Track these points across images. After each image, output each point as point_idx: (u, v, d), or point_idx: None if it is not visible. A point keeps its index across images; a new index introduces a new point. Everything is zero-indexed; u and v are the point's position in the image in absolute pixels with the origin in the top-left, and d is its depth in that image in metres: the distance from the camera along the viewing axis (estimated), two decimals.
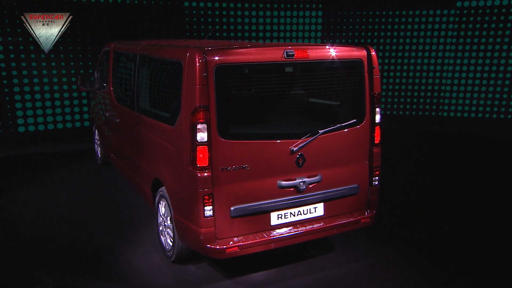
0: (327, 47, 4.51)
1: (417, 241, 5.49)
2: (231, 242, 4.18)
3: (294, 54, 4.20)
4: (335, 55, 4.49)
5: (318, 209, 4.64)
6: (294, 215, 4.52)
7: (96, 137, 8.65)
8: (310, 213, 4.60)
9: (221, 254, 4.15)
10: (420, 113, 14.17)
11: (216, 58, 3.92)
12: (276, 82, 4.38)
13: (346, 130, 4.64)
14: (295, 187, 4.41)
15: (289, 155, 4.34)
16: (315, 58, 4.35)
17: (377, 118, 4.77)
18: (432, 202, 6.88)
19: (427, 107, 14.08)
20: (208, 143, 3.96)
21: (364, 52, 4.64)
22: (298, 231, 4.47)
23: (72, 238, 5.53)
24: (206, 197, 4.03)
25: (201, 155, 3.96)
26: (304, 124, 4.51)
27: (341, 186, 4.70)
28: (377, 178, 4.91)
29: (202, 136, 3.93)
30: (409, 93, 14.15)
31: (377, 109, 4.76)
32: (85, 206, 6.59)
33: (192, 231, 4.19)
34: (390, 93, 14.27)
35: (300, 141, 4.34)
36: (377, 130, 4.81)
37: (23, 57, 10.85)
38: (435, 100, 13.96)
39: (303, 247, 5.19)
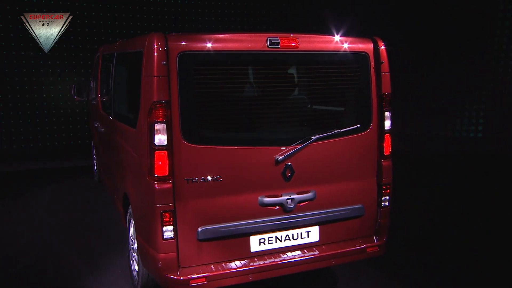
0: (323, 36, 3.75)
1: (437, 277, 4.51)
2: (199, 273, 3.37)
3: (279, 43, 3.45)
4: (333, 46, 3.70)
5: (312, 234, 3.77)
6: (280, 240, 3.67)
7: (94, 151, 8.08)
8: (301, 238, 3.74)
9: (184, 286, 3.33)
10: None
11: (180, 44, 3.22)
12: (257, 76, 3.60)
13: (347, 137, 3.80)
14: (281, 205, 3.58)
15: (273, 166, 3.53)
16: (306, 49, 3.58)
17: (387, 124, 3.91)
18: (457, 230, 5.87)
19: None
20: (169, 147, 3.21)
21: (370, 45, 3.84)
22: (285, 260, 3.61)
23: (34, 261, 4.84)
24: (166, 215, 3.25)
25: (159, 162, 3.21)
26: (293, 129, 3.70)
27: (341, 206, 3.83)
28: (387, 198, 4.01)
29: (160, 138, 3.19)
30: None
31: (387, 113, 3.90)
32: (62, 226, 5.92)
33: (151, 257, 3.42)
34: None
35: (288, 148, 3.54)
36: (387, 139, 3.94)
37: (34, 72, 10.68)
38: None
39: (295, 279, 4.31)
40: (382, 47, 3.85)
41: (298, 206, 3.64)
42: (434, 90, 13.10)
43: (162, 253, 3.29)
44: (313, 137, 3.61)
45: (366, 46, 3.82)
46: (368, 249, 3.91)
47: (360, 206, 3.90)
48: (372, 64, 3.84)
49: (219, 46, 3.32)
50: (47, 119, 10.95)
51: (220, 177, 3.37)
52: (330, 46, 3.69)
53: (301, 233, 3.73)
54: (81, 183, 8.10)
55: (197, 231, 3.36)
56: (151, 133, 3.18)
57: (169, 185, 3.22)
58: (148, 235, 3.41)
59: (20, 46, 10.37)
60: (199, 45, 3.27)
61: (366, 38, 3.89)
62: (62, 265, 4.75)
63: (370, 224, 4.00)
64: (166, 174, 3.22)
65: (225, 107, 3.44)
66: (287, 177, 3.58)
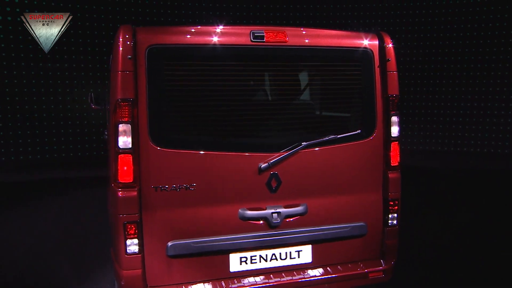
0: (320, 30, 3.33)
1: None
2: None
3: (264, 36, 3.06)
4: (330, 41, 3.27)
5: (304, 254, 3.31)
6: (265, 260, 3.23)
7: None
8: (290, 258, 3.28)
9: None
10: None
11: (150, 37, 2.90)
12: (238, 74, 3.21)
13: (346, 144, 3.32)
14: (265, 219, 3.15)
15: (256, 175, 3.11)
16: (297, 43, 3.16)
17: (394, 130, 3.40)
18: (478, 252, 5.16)
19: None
20: (134, 151, 2.88)
21: (375, 41, 3.37)
22: (271, 283, 3.17)
23: (22, 272, 4.63)
24: (130, 227, 2.90)
25: (124, 168, 2.88)
26: (280, 134, 3.28)
27: (338, 223, 3.34)
28: (395, 215, 3.48)
29: (124, 140, 2.85)
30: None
31: (394, 118, 3.40)
32: (61, 237, 5.74)
33: (116, 273, 3.08)
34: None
35: (273, 155, 3.12)
36: (394, 148, 3.42)
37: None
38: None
39: None
40: (390, 44, 3.37)
41: (286, 221, 3.20)
42: (461, 103, 12.39)
43: (125, 270, 2.93)
44: (303, 143, 3.17)
45: (370, 42, 3.36)
46: (371, 275, 3.39)
47: (362, 224, 3.39)
48: (377, 62, 3.36)
49: (194, 39, 2.98)
50: (75, 129, 11.09)
51: (193, 186, 3.00)
52: (327, 41, 3.26)
53: (290, 252, 3.27)
54: (97, 193, 7.98)
55: (167, 246, 2.99)
56: (116, 134, 2.87)
57: (133, 193, 2.88)
58: (114, 248, 3.08)
59: (39, 57, 10.54)
60: (171, 38, 2.95)
61: (371, 33, 3.43)
62: (53, 276, 4.52)
63: (375, 245, 3.48)
64: (131, 181, 2.88)
65: (200, 107, 3.07)
66: (273, 188, 3.15)
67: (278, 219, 3.15)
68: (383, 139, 3.40)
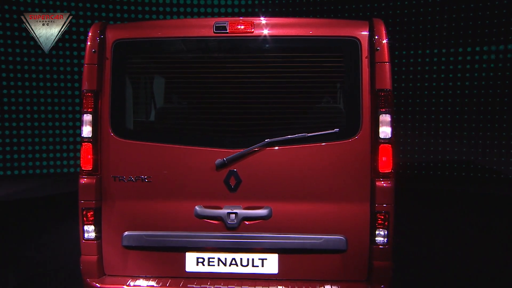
0: (296, 19, 3.08)
1: None
2: (119, 284, 3.00)
3: (226, 27, 2.95)
4: (303, 31, 2.98)
5: (268, 263, 3.00)
6: (224, 264, 3.02)
7: None
8: (253, 266, 3.01)
9: None
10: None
11: (117, 32, 3.04)
12: (201, 66, 3.10)
13: (321, 144, 2.95)
14: (221, 219, 2.96)
15: (214, 171, 2.96)
16: (264, 34, 2.96)
17: (384, 131, 2.89)
18: None
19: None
20: (95, 140, 3.01)
21: (363, 29, 2.96)
22: None
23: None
24: (88, 213, 3.02)
25: (87, 156, 3.03)
26: (246, 129, 3.05)
27: (310, 232, 2.96)
28: (384, 232, 2.92)
29: (86, 130, 3.00)
30: None
31: (383, 116, 2.89)
32: None
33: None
34: None
35: (231, 151, 2.93)
36: (384, 151, 2.90)
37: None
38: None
39: None
40: (382, 32, 2.93)
41: (245, 224, 2.96)
42: None
43: (83, 255, 3.05)
44: (266, 140, 2.92)
45: (356, 30, 2.97)
46: None
47: (340, 237, 2.95)
48: (365, 52, 2.94)
49: (157, 33, 3.02)
50: None
51: (149, 178, 2.99)
52: (299, 31, 2.98)
53: (253, 259, 3.01)
54: None
55: (122, 236, 3.02)
56: (81, 124, 3.05)
57: (92, 181, 3.00)
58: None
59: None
60: (136, 33, 3.04)
61: (362, 20, 3.03)
62: None
63: (358, 264, 2.97)
64: (90, 169, 3.01)
65: (159, 99, 3.08)
66: (232, 187, 2.95)
67: (235, 220, 2.93)
68: (370, 141, 2.93)
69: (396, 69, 11.47)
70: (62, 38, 10.83)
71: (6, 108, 11.09)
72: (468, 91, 10.90)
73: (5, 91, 11.08)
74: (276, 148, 2.95)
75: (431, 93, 11.31)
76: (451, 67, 11.07)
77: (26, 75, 11.23)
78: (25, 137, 11.34)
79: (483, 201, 8.87)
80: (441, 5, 11.00)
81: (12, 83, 11.12)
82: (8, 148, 11.20)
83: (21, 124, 11.29)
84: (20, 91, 11.19)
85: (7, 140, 11.21)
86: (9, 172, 11.22)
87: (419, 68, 11.39)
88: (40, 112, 11.41)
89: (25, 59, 11.22)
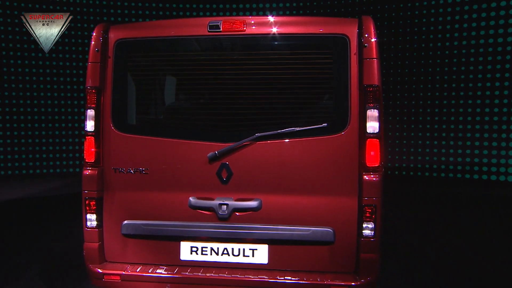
0: (288, 17, 3.18)
1: None
2: (118, 269, 3.18)
3: (219, 26, 3.08)
4: (294, 29, 3.08)
5: (259, 254, 3.11)
6: (217, 253, 3.15)
7: None
8: (244, 256, 3.13)
9: (99, 280, 3.18)
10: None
11: (119, 32, 3.23)
12: (196, 64, 3.24)
13: (310, 138, 3.04)
14: (213, 210, 3.09)
15: (207, 164, 3.10)
16: (256, 32, 3.08)
17: (371, 125, 2.96)
18: None
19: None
20: (97, 134, 3.20)
21: (353, 26, 3.04)
22: (222, 277, 3.06)
23: None
24: (91, 202, 3.21)
25: (90, 149, 3.23)
26: (238, 124, 3.17)
27: (299, 224, 3.05)
28: (372, 225, 2.98)
29: (90, 124, 3.21)
30: None
31: (371, 112, 2.96)
32: None
33: None
34: None
35: (222, 145, 3.06)
36: (371, 146, 2.97)
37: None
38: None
39: None
40: (371, 29, 3.00)
41: (236, 215, 3.08)
42: None
43: (86, 242, 3.24)
44: (256, 135, 3.03)
45: (346, 28, 3.05)
46: None
47: (327, 229, 3.03)
48: (354, 49, 3.02)
49: (155, 32, 3.20)
50: None
51: (147, 170, 3.16)
52: (290, 29, 3.09)
53: (243, 249, 3.13)
54: None
55: (122, 225, 3.20)
56: (85, 119, 3.25)
57: (94, 172, 3.19)
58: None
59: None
60: (136, 32, 3.22)
61: (351, 18, 3.11)
62: None
63: (345, 256, 3.04)
64: (93, 161, 3.21)
65: (157, 95, 3.25)
66: (224, 179, 3.08)
67: (226, 211, 3.06)
68: (358, 136, 3.00)
69: (406, 70, 11.41)
70: (70, 39, 11.08)
71: (32, 109, 11.56)
72: (480, 92, 10.65)
73: (27, 93, 11.52)
74: (266, 142, 3.06)
75: (441, 94, 11.13)
76: (462, 68, 10.87)
77: (49, 78, 11.67)
78: (53, 137, 11.83)
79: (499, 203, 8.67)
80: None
81: (27, 85, 11.52)
82: (37, 148, 11.70)
83: (43, 125, 11.76)
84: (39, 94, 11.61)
85: (36, 140, 11.70)
86: (38, 171, 11.75)
87: (429, 69, 11.22)
88: (60, 114, 11.82)
89: (40, 62, 11.59)
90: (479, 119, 10.59)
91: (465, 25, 10.55)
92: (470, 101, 10.65)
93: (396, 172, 11.51)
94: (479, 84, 10.59)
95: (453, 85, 10.95)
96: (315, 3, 12.16)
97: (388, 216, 7.14)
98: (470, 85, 10.70)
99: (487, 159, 10.48)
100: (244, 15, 12.04)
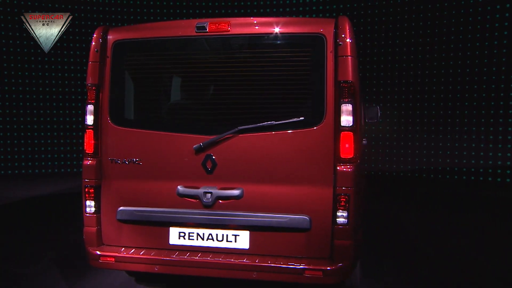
0: (270, 18, 3.39)
1: None
2: (113, 252, 3.46)
3: (206, 27, 3.33)
4: (274, 29, 3.29)
5: (241, 239, 3.33)
6: (202, 238, 3.38)
7: None
8: (227, 241, 3.35)
9: (95, 261, 3.47)
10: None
11: (117, 34, 3.53)
12: (184, 62, 3.50)
13: (288, 131, 3.24)
14: (198, 198, 3.33)
15: (193, 155, 3.35)
16: (240, 32, 3.31)
17: (345, 119, 3.13)
18: None
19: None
20: (96, 127, 3.51)
21: (330, 26, 3.23)
22: (206, 260, 3.29)
23: None
24: (90, 190, 3.51)
25: (89, 141, 3.53)
26: (223, 118, 3.41)
27: (277, 212, 3.25)
28: (345, 214, 3.15)
29: (89, 118, 3.51)
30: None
31: (345, 106, 3.13)
32: None
33: None
34: None
35: (206, 138, 3.30)
36: (345, 138, 3.14)
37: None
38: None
39: None
40: (346, 28, 3.18)
41: (219, 203, 3.31)
42: None
43: (85, 226, 3.54)
44: (238, 128, 3.26)
45: (323, 28, 3.24)
46: (307, 272, 3.15)
47: (304, 217, 3.21)
48: (330, 47, 3.21)
49: (149, 33, 3.48)
50: None
51: (140, 161, 3.44)
52: (271, 29, 3.30)
53: (227, 235, 3.35)
54: None
55: (117, 211, 3.48)
56: (85, 113, 3.56)
57: (93, 162, 3.49)
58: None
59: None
60: (131, 34, 3.52)
61: (329, 18, 3.30)
62: None
63: (321, 243, 3.22)
64: (92, 152, 3.51)
65: (149, 91, 3.52)
66: (208, 169, 3.32)
67: (210, 199, 3.29)
68: (333, 129, 3.18)
69: (411, 73, 11.43)
70: (77, 42, 11.18)
71: (45, 112, 11.97)
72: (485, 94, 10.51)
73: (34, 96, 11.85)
74: (248, 135, 3.27)
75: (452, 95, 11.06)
76: (467, 70, 10.77)
77: (60, 82, 11.98)
78: (71, 138, 12.31)
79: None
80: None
81: (40, 88, 11.80)
82: (56, 148, 12.20)
83: (54, 126, 12.16)
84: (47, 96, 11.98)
85: (55, 141, 12.19)
86: (56, 170, 12.28)
87: (442, 70, 11.16)
88: (71, 116, 12.23)
89: (46, 66, 11.78)
90: (483, 121, 10.56)
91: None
92: (483, 103, 10.58)
93: (401, 174, 11.52)
94: (484, 86, 10.56)
95: (458, 87, 10.95)
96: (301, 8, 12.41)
97: (393, 216, 7.26)
98: (475, 86, 10.65)
99: (492, 161, 10.43)
100: (246, 14, 12.41)
